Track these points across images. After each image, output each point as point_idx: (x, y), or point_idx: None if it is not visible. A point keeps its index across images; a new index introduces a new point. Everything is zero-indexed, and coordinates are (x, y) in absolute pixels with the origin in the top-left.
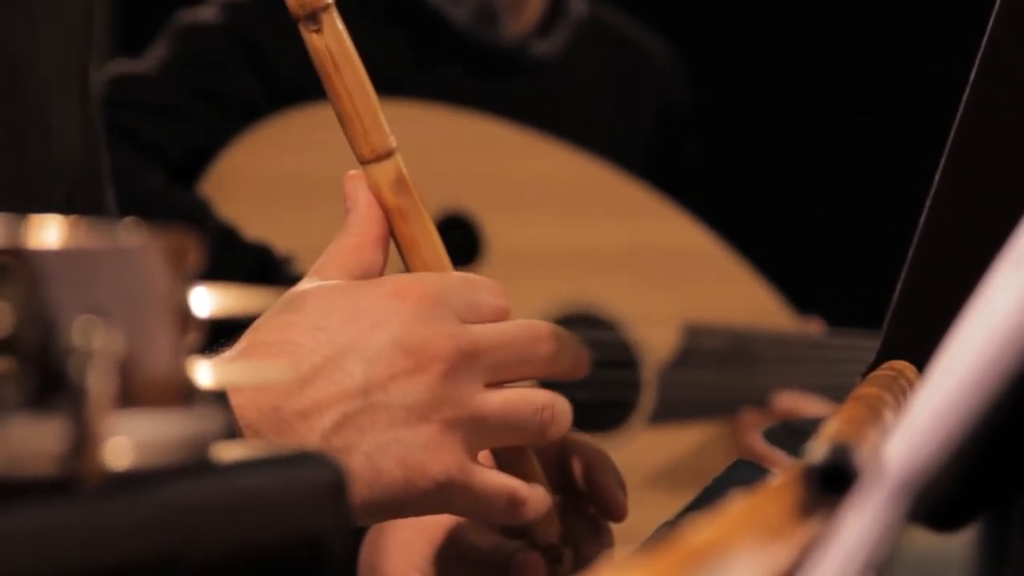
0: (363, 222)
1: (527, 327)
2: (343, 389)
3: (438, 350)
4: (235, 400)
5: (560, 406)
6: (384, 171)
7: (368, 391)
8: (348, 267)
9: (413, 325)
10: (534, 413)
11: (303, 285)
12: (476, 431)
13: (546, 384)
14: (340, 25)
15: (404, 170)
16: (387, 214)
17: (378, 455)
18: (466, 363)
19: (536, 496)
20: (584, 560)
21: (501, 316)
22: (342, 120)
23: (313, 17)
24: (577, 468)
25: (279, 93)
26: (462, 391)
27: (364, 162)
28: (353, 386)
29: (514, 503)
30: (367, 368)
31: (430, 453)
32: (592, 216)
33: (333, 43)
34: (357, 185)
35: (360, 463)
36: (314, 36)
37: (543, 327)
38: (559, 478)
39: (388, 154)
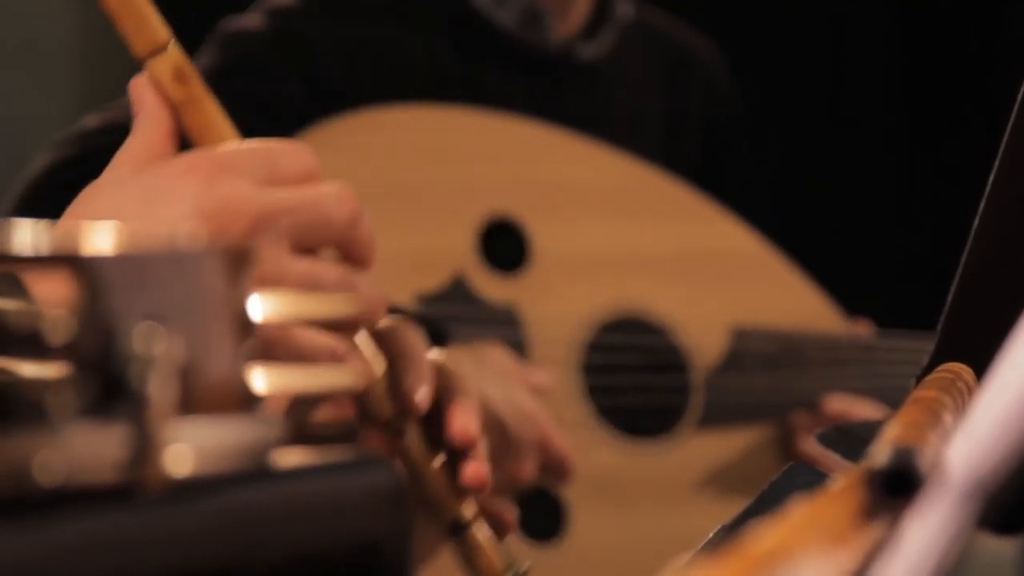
0: (150, 121)
1: (328, 189)
2: None
3: (236, 212)
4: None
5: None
6: (163, 64)
7: None
8: (140, 163)
9: (209, 193)
10: (337, 285)
11: (94, 184)
12: None
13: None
14: None
15: (184, 60)
16: (174, 108)
17: None
18: (265, 223)
19: (355, 364)
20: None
21: (308, 179)
22: (113, 21)
23: None
24: (393, 350)
25: (326, 98)
26: (265, 252)
27: (142, 59)
28: None
29: (336, 359)
30: None
31: None
32: (640, 221)
33: None
34: (140, 88)
35: None
36: None
37: (346, 190)
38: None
39: (163, 46)
